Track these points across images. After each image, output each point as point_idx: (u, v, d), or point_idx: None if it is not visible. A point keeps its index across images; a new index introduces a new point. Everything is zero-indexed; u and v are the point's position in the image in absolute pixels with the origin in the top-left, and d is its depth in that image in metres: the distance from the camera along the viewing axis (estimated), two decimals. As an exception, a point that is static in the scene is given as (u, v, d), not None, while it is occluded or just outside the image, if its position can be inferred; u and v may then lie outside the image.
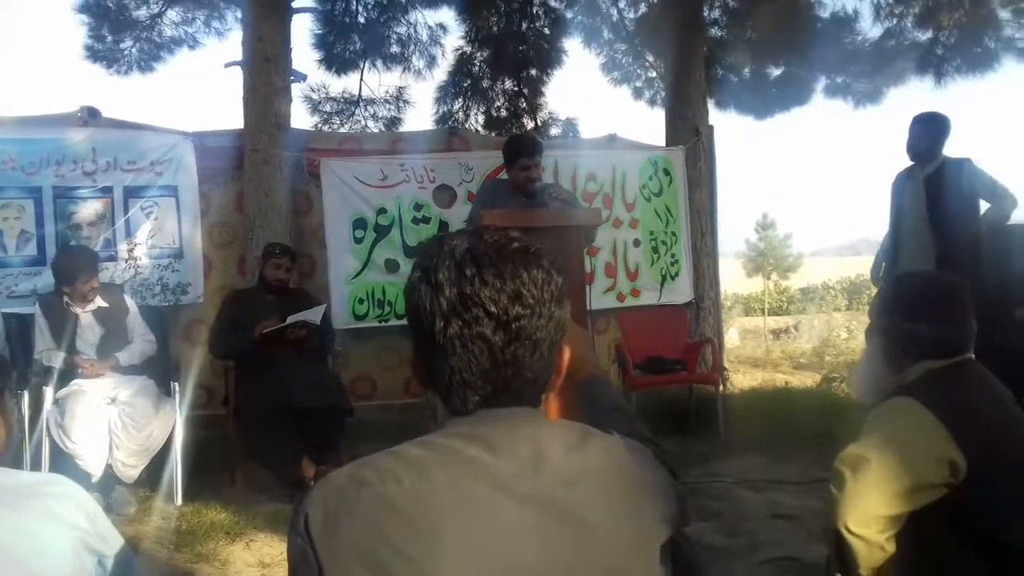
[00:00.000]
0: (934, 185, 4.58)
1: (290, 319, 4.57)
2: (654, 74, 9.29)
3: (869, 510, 1.59)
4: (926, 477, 1.62)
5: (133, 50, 7.40)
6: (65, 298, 4.31)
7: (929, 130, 4.63)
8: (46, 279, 4.73)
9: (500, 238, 1.01)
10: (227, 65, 6.02)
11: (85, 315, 4.36)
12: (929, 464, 1.63)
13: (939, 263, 4.38)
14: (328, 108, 8.49)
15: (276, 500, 4.23)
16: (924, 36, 7.95)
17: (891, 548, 1.60)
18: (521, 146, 4.44)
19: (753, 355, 10.98)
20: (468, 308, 0.96)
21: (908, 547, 1.62)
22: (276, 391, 4.36)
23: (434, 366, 1.00)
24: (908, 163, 4.78)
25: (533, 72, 8.90)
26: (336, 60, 8.23)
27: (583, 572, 0.94)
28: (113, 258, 5.37)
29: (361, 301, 5.91)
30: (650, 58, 9.21)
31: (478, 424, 0.99)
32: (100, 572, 1.47)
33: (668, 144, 7.14)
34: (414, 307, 1.00)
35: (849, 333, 12.79)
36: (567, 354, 1.06)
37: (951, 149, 4.65)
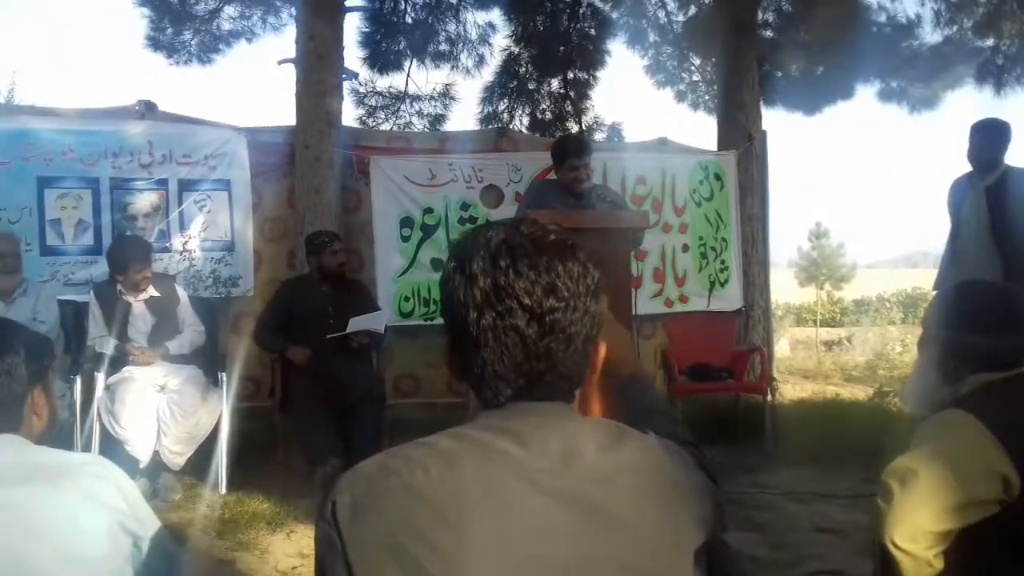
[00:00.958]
0: (996, 195, 4.41)
1: (352, 324, 4.55)
2: (698, 77, 9.21)
3: (917, 525, 1.53)
4: (977, 493, 1.55)
5: (192, 42, 7.56)
6: (119, 286, 4.40)
7: (993, 139, 4.46)
8: (102, 268, 4.85)
9: (537, 230, 0.99)
10: (280, 62, 6.10)
11: (137, 304, 4.44)
12: (981, 479, 1.56)
13: (1007, 275, 4.22)
14: (373, 102, 8.55)
15: (315, 495, 4.25)
16: (984, 44, 7.77)
17: (939, 565, 1.54)
18: (570, 146, 4.41)
19: (804, 366, 10.77)
20: (502, 299, 0.94)
21: (957, 564, 1.55)
22: (322, 386, 4.40)
23: (467, 357, 0.98)
24: (964, 169, 4.63)
25: (579, 74, 8.86)
26: (381, 59, 8.28)
27: (611, 569, 0.92)
28: (167, 250, 5.48)
29: (407, 299, 5.94)
30: (696, 61, 9.12)
31: (509, 417, 0.97)
32: (136, 554, 1.48)
33: (720, 148, 7.05)
34: (448, 297, 0.99)
35: (904, 347, 12.46)
36: (603, 350, 1.04)
37: (1011, 157, 4.50)
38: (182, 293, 4.70)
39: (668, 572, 0.94)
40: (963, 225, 4.61)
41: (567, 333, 0.96)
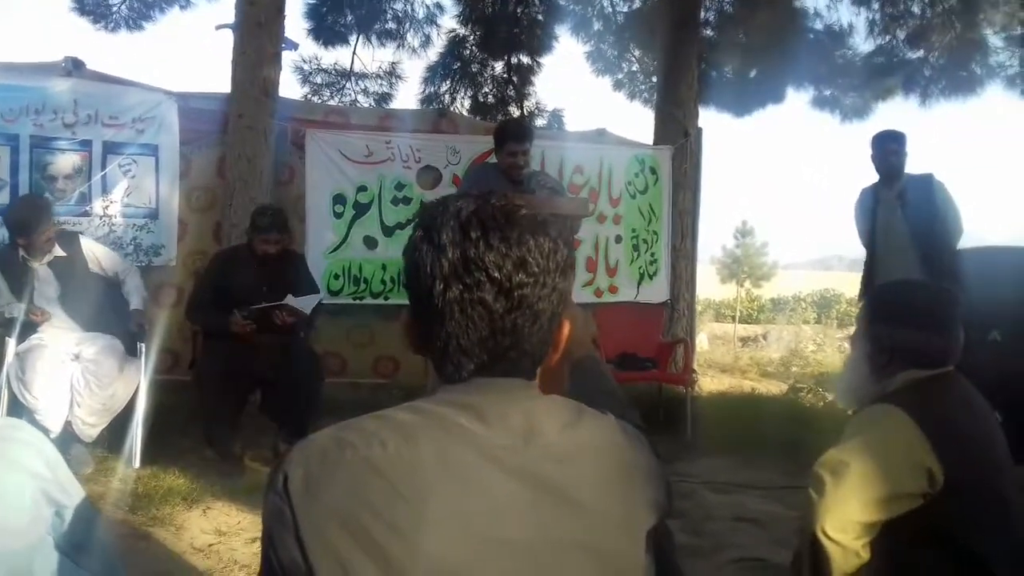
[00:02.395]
0: (908, 203, 4.60)
1: (289, 301, 4.36)
2: (636, 68, 9.32)
3: (847, 515, 1.58)
4: (904, 485, 1.61)
5: (123, 7, 7.24)
6: (21, 252, 4.14)
7: (901, 145, 4.67)
8: (13, 230, 4.59)
9: (508, 203, 0.97)
10: (218, 27, 5.88)
11: (42, 268, 4.18)
12: (907, 472, 1.62)
13: (932, 278, 4.39)
14: (318, 80, 8.41)
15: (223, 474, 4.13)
16: (914, 55, 8.05)
17: (866, 555, 1.59)
18: (509, 131, 4.42)
19: (721, 360, 11.04)
20: (470, 272, 0.92)
21: (881, 555, 1.61)
22: (238, 361, 4.24)
23: (429, 330, 0.96)
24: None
25: (523, 59, 8.87)
26: (327, 32, 8.14)
27: (568, 549, 0.91)
28: (87, 214, 5.24)
29: (337, 276, 5.84)
30: (636, 53, 9.22)
31: (471, 392, 0.96)
32: (57, 523, 1.41)
33: (656, 143, 7.14)
34: (413, 267, 0.96)
35: (817, 345, 12.91)
36: (567, 329, 1.03)
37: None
38: (91, 245, 4.41)
39: (623, 553, 0.95)
40: (880, 236, 4.78)
41: (534, 309, 0.95)
